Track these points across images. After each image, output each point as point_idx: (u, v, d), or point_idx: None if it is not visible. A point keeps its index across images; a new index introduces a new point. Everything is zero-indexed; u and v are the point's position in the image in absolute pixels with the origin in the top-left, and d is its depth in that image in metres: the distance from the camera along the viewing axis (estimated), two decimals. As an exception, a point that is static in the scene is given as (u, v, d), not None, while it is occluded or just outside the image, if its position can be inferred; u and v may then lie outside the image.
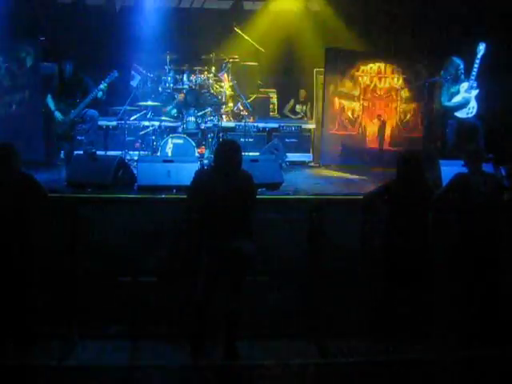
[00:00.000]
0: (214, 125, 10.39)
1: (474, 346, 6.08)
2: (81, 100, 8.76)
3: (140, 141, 10.60)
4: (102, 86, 8.76)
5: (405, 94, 11.25)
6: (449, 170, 7.41)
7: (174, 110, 10.68)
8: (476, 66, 8.80)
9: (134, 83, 11.10)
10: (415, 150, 6.65)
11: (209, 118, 10.44)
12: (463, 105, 8.89)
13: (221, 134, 10.45)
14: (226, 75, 11.62)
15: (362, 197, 6.67)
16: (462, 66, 8.95)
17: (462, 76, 8.94)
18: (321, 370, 5.89)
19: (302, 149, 11.77)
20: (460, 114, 8.94)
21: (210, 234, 5.63)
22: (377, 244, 6.35)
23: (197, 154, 9.63)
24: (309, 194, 7.82)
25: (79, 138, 11.28)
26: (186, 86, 10.85)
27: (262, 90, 13.14)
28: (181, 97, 10.78)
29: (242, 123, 11.03)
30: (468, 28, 10.31)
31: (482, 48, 8.80)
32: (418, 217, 6.05)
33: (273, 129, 11.86)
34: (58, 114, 8.72)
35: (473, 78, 8.85)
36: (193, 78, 10.99)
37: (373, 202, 6.45)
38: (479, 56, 8.78)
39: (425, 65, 11.03)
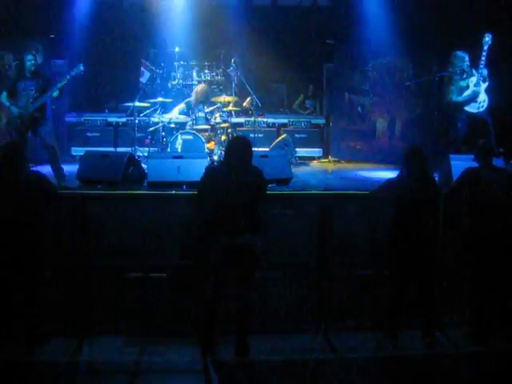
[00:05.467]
0: (224, 121, 10.39)
1: (483, 341, 6.06)
2: (40, 95, 8.33)
3: (150, 137, 10.63)
4: (59, 85, 8.37)
5: (414, 88, 11.19)
6: (460, 164, 7.37)
7: (184, 107, 10.71)
8: (483, 57, 8.73)
9: (143, 79, 11.11)
10: (418, 145, 6.63)
11: (218, 114, 10.45)
12: (472, 98, 8.83)
13: (230, 130, 10.46)
14: (235, 71, 11.61)
15: (368, 192, 6.66)
16: (467, 59, 8.88)
17: (469, 69, 8.87)
18: (330, 366, 5.88)
19: (312, 144, 11.77)
20: (471, 109, 8.88)
21: (220, 230, 5.63)
22: (385, 239, 6.32)
23: (206, 150, 9.64)
24: (318, 190, 7.81)
25: (89, 134, 11.47)
26: (195, 82, 10.87)
27: (271, 85, 13.12)
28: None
29: (252, 119, 11.04)
30: (475, 20, 10.24)
31: (488, 39, 8.72)
32: (423, 212, 6.02)
33: (282, 124, 11.87)
34: (14, 109, 8.30)
35: (481, 70, 8.78)
36: (202, 73, 10.99)
37: (379, 198, 6.44)
38: (486, 48, 8.71)
39: (434, 59, 10.98)
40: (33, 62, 8.42)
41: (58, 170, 8.40)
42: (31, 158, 7.85)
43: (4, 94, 8.48)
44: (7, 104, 8.41)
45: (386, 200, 6.27)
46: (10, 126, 8.49)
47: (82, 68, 8.57)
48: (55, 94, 8.43)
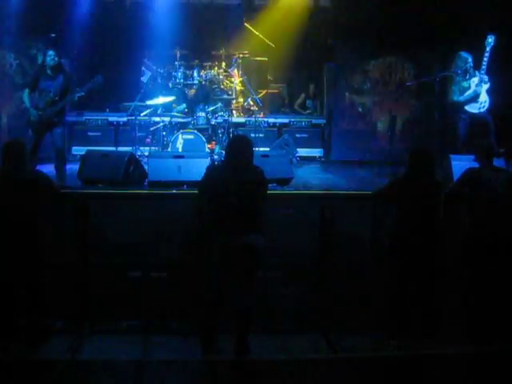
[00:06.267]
0: (225, 120, 10.41)
1: (486, 342, 6.06)
2: (59, 99, 8.17)
3: (150, 137, 10.64)
4: (79, 94, 8.27)
5: (415, 88, 11.20)
6: (460, 164, 7.39)
7: (184, 106, 10.72)
8: (486, 58, 8.74)
9: (144, 79, 11.14)
10: (425, 145, 6.63)
11: (219, 114, 10.47)
12: (473, 98, 8.84)
13: (231, 130, 10.48)
14: (236, 70, 11.63)
15: (371, 192, 6.65)
16: (470, 61, 8.90)
17: (472, 70, 8.89)
18: (331, 366, 5.88)
19: (313, 144, 11.77)
20: (472, 109, 8.89)
21: (221, 230, 5.63)
22: (387, 240, 6.32)
23: (207, 150, 9.65)
24: (319, 190, 7.82)
25: (90, 133, 11.47)
26: (196, 82, 10.88)
27: (272, 85, 13.13)
28: (191, 93, 10.81)
29: (253, 118, 11.05)
30: (477, 20, 10.24)
31: (491, 40, 8.73)
32: (427, 212, 6.02)
33: (283, 124, 11.87)
34: (33, 112, 8.12)
35: (483, 71, 8.79)
36: (203, 73, 11.01)
37: (382, 198, 6.42)
38: (489, 49, 8.72)
39: (435, 59, 10.99)
40: (53, 57, 8.20)
41: (61, 171, 8.38)
42: (41, 157, 7.93)
43: (26, 91, 8.27)
44: (28, 105, 8.21)
45: (391, 200, 6.25)
46: (28, 126, 8.29)
47: (101, 80, 8.44)
48: (74, 99, 8.38)
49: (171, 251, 6.60)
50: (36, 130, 8.18)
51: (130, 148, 10.08)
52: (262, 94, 12.22)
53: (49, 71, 8.24)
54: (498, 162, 6.65)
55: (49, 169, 8.15)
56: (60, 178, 8.25)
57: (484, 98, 8.87)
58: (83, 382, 5.56)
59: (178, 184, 7.77)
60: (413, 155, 6.14)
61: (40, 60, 8.58)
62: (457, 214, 6.53)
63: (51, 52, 8.28)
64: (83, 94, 8.33)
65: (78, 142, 11.33)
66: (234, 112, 11.25)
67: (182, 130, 9.98)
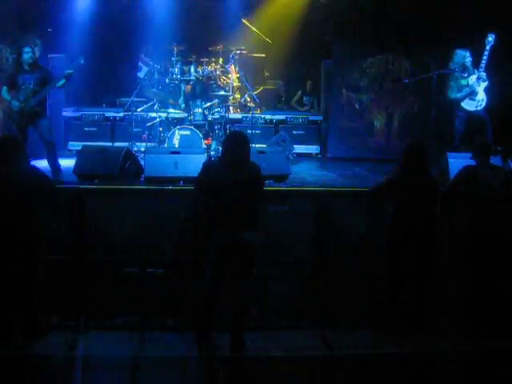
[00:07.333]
0: (221, 116, 10.40)
1: (480, 339, 6.07)
2: (40, 89, 8.22)
3: (147, 132, 10.63)
4: (61, 83, 8.34)
5: (413, 85, 11.20)
6: (457, 162, 7.39)
7: (181, 99, 10.71)
8: (485, 57, 8.74)
9: (141, 74, 11.12)
10: (419, 141, 6.61)
11: (216, 110, 10.46)
12: (469, 94, 8.85)
13: (228, 126, 10.46)
14: (233, 67, 11.61)
15: (367, 189, 6.64)
16: (469, 58, 8.90)
17: (470, 68, 8.89)
18: (327, 362, 5.88)
19: (309, 141, 11.75)
20: (469, 107, 8.89)
21: (217, 226, 5.62)
22: (383, 237, 6.32)
23: (204, 146, 9.64)
24: (316, 186, 7.81)
25: (86, 129, 11.44)
26: (193, 78, 10.86)
27: (269, 81, 13.12)
28: (187, 88, 10.80)
29: (249, 115, 11.03)
30: (477, 19, 10.23)
31: (491, 39, 8.73)
32: (423, 209, 6.02)
33: (280, 120, 11.85)
34: (14, 103, 8.16)
35: (481, 69, 8.79)
36: (200, 69, 10.99)
37: (378, 195, 6.41)
38: (488, 47, 8.71)
39: (433, 57, 10.98)
40: (30, 54, 8.28)
41: (54, 164, 8.38)
42: (30, 152, 7.87)
43: (4, 88, 8.35)
44: (8, 98, 8.27)
45: (387, 197, 6.24)
46: (10, 120, 8.35)
47: (81, 61, 8.50)
48: (61, 82, 8.36)
49: (168, 247, 6.58)
50: (18, 124, 8.20)
51: (127, 143, 10.05)
52: (258, 91, 12.21)
53: (26, 67, 8.31)
54: (495, 160, 6.66)
55: (45, 165, 8.17)
56: (54, 172, 8.24)
57: (481, 96, 8.87)
58: (79, 378, 5.56)
59: (174, 180, 7.76)
60: (406, 152, 6.13)
61: (37, 55, 8.58)
62: (454, 212, 6.53)
63: (27, 49, 8.36)
64: (68, 72, 8.34)
65: (74, 137, 11.30)
66: (230, 108, 11.23)
67: (178, 126, 9.96)
